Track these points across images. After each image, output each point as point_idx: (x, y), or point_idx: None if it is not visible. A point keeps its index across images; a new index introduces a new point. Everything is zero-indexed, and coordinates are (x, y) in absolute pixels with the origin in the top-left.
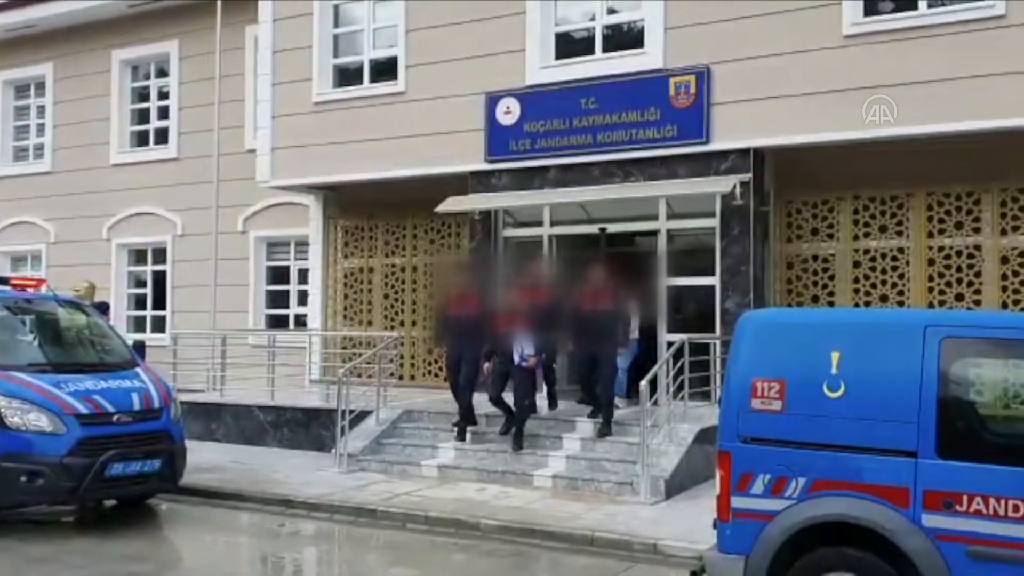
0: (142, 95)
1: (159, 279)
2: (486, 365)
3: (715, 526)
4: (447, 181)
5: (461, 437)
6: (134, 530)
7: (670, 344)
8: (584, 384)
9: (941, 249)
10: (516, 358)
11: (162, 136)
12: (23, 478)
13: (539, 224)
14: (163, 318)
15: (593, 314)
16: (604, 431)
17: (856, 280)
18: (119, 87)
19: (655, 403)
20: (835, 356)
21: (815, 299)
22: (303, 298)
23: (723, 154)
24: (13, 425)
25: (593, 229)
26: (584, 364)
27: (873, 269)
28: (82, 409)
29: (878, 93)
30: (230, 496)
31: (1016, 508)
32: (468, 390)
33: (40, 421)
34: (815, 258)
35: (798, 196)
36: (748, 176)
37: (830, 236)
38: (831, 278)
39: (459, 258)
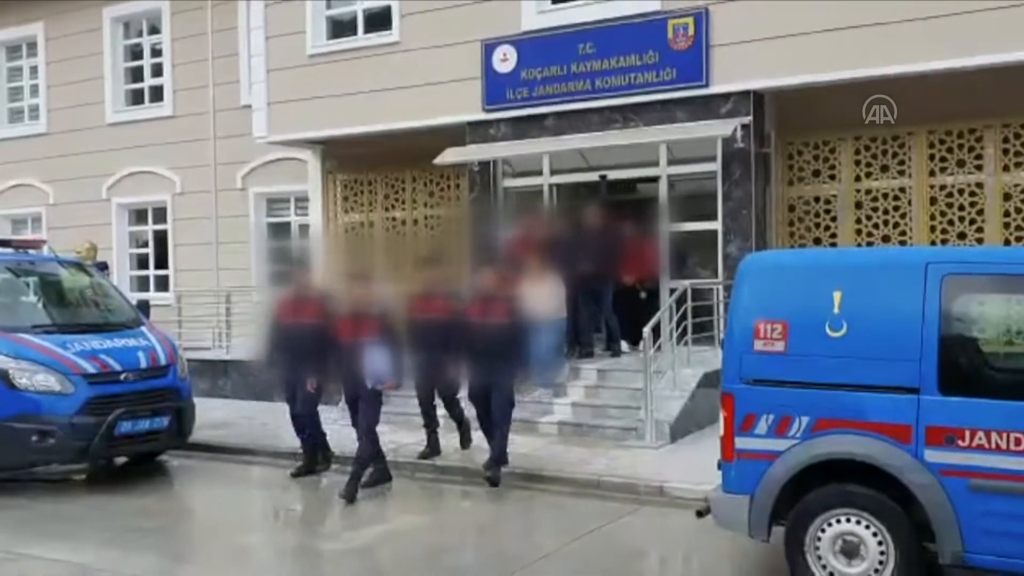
0: (135, 52)
1: (160, 238)
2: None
3: (719, 467)
4: (445, 132)
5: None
6: (145, 486)
7: (673, 290)
8: (479, 412)
9: (943, 187)
10: (369, 381)
11: (157, 94)
12: (34, 438)
13: (539, 173)
14: (166, 277)
15: (484, 329)
16: (494, 476)
17: (858, 221)
18: (111, 45)
19: (658, 349)
20: (837, 296)
21: (817, 241)
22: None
23: (723, 97)
24: (22, 386)
25: (593, 177)
26: (478, 388)
27: (875, 209)
28: (89, 368)
29: (879, 30)
30: (239, 451)
31: (1018, 441)
32: (310, 417)
33: (48, 381)
34: (817, 200)
35: (799, 138)
36: (749, 119)
37: (831, 177)
38: (833, 220)
39: (458, 210)
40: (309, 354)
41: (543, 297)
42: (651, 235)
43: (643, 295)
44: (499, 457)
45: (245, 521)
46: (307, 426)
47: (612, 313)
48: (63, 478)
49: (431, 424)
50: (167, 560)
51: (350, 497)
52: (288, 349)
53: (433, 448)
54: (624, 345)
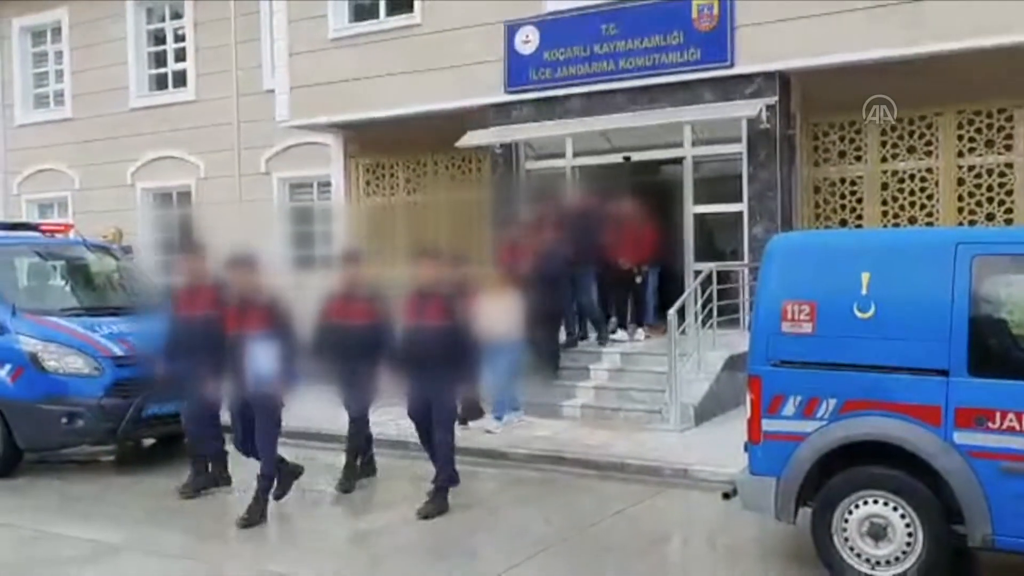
0: (158, 38)
1: (185, 223)
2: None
3: (746, 449)
4: (467, 115)
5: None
6: (172, 467)
7: (698, 272)
8: (420, 431)
9: (971, 168)
10: (252, 383)
11: (180, 79)
12: (63, 420)
13: (561, 155)
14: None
15: (420, 332)
16: (439, 504)
17: (884, 203)
18: (134, 30)
19: (683, 332)
20: (865, 277)
21: (843, 223)
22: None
23: (748, 77)
24: (51, 368)
25: (617, 158)
26: (418, 403)
27: (902, 191)
28: (117, 351)
29: (907, 8)
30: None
31: None
32: (205, 427)
33: (77, 363)
34: (843, 181)
35: (825, 118)
36: (774, 99)
37: (857, 158)
38: (859, 201)
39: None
40: (203, 351)
41: (499, 315)
42: (648, 217)
43: (638, 279)
44: (445, 482)
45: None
46: (197, 435)
47: (591, 300)
48: (92, 459)
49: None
50: (193, 539)
51: (246, 523)
52: (181, 345)
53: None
54: (620, 332)
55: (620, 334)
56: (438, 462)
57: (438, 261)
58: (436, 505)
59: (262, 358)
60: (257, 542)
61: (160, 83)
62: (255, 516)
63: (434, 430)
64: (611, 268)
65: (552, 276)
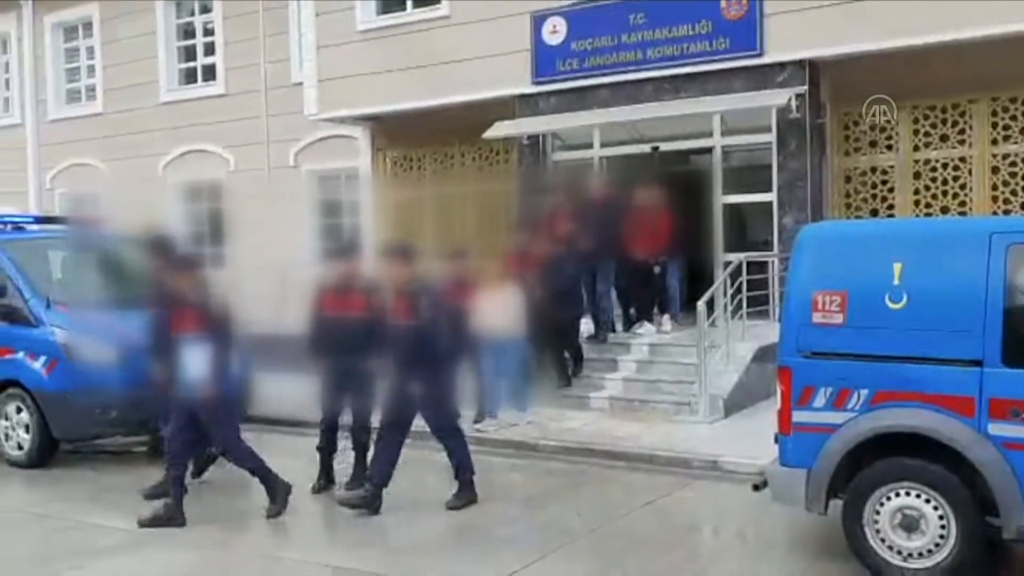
0: (187, 32)
1: (216, 216)
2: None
3: (776, 441)
4: (494, 106)
5: None
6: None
7: (727, 263)
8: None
9: (1006, 156)
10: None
11: (210, 73)
12: (97, 411)
13: (589, 146)
14: (221, 254)
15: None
16: (466, 496)
17: (916, 192)
18: (164, 24)
19: (712, 323)
20: (897, 267)
21: (874, 213)
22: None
23: (778, 66)
24: (85, 360)
25: (645, 149)
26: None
27: (934, 180)
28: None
29: None
30: (296, 423)
31: None
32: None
33: (110, 355)
34: (873, 170)
35: (855, 107)
36: (804, 88)
37: (889, 148)
38: (890, 191)
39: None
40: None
41: (498, 310)
42: (665, 208)
43: (656, 270)
44: (468, 474)
45: (303, 491)
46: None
47: (606, 292)
48: (125, 450)
49: (329, 447)
50: (225, 530)
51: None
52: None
53: (329, 478)
54: (646, 325)
55: (646, 327)
56: (455, 460)
57: (404, 259)
58: (463, 497)
59: (193, 361)
60: (283, 533)
61: (190, 77)
62: (275, 509)
63: (435, 434)
64: (628, 259)
65: (561, 287)
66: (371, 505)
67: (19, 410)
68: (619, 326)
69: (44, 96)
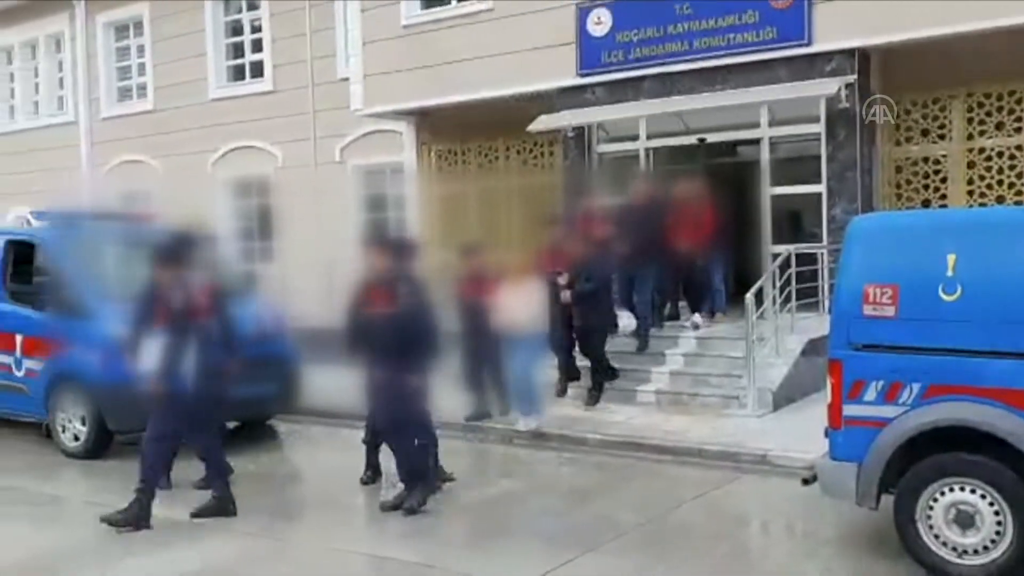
0: (235, 29)
1: (264, 211)
2: None
3: (826, 435)
4: (539, 99)
5: None
6: (254, 450)
7: (776, 255)
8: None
9: None
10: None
11: (257, 69)
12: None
13: (634, 138)
14: (270, 249)
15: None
16: (412, 499)
17: (970, 182)
18: (212, 22)
19: (761, 316)
20: (951, 258)
21: (926, 203)
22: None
23: (826, 55)
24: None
25: (691, 140)
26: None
27: (988, 169)
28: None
29: None
30: (345, 416)
31: None
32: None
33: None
34: (926, 160)
35: (907, 96)
36: (853, 77)
37: (941, 136)
38: (943, 181)
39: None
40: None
41: (517, 305)
42: (709, 201)
43: (699, 264)
44: (408, 476)
45: (351, 483)
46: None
47: (646, 300)
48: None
49: (374, 440)
50: (276, 519)
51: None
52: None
53: (376, 471)
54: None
55: (695, 318)
56: (396, 460)
57: (386, 250)
58: (407, 499)
59: (145, 353)
60: (333, 524)
61: (238, 74)
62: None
63: (384, 438)
64: (670, 254)
65: (585, 291)
66: (412, 501)
67: (75, 402)
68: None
69: (97, 94)
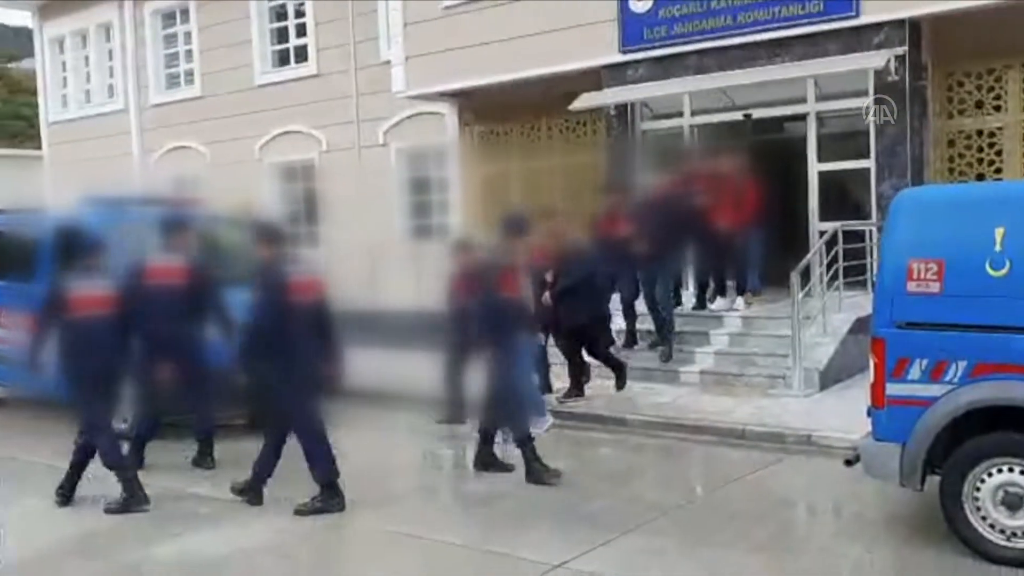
0: (280, 14)
1: (310, 196)
2: None
3: (869, 414)
4: (581, 78)
5: None
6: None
7: (823, 232)
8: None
9: None
10: None
11: (302, 54)
12: None
13: (679, 115)
14: (316, 233)
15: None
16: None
17: None
18: (257, 7)
19: (808, 294)
20: (999, 232)
21: (980, 177)
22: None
23: (875, 27)
24: None
25: (737, 116)
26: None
27: None
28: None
29: None
30: (388, 398)
31: None
32: None
33: (211, 332)
34: (980, 133)
35: (959, 67)
36: (903, 49)
37: (996, 108)
38: (998, 154)
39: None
40: None
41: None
42: (750, 177)
43: (737, 243)
44: (322, 477)
45: (395, 464)
46: None
47: (667, 297)
48: (225, 423)
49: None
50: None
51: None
52: None
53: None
54: (720, 301)
55: (720, 302)
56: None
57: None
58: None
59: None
60: (376, 506)
61: (283, 59)
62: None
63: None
64: (707, 235)
65: (570, 287)
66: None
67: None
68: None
69: (146, 82)
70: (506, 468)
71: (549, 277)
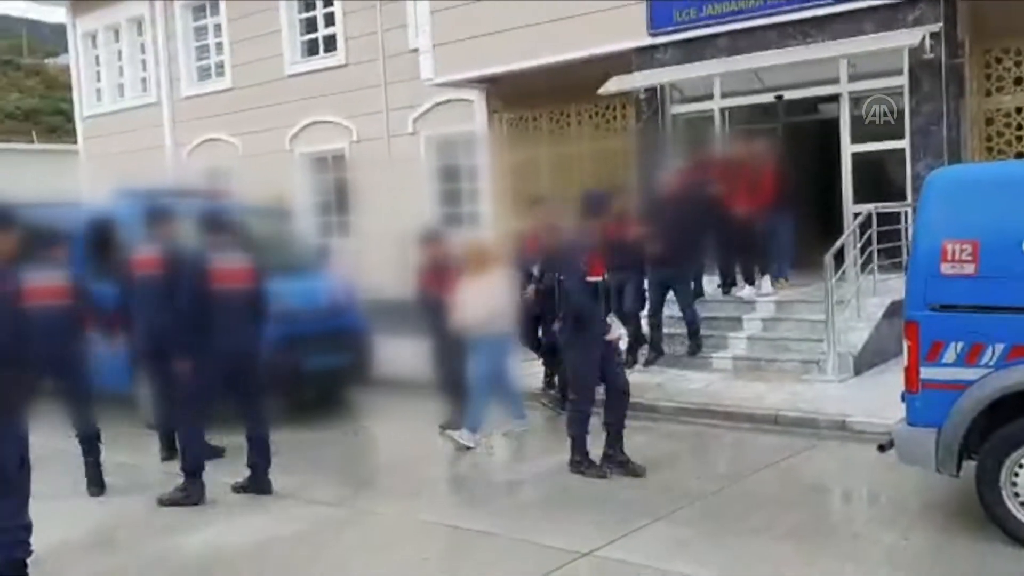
0: (308, 4)
1: (341, 185)
2: None
3: (903, 399)
4: (610, 62)
5: None
6: (330, 420)
7: (856, 215)
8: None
9: None
10: None
11: (331, 44)
12: None
13: (709, 98)
14: (347, 223)
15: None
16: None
17: None
18: None
19: (842, 278)
20: None
21: (1020, 156)
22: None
23: (909, 4)
24: None
25: (768, 98)
26: None
27: None
28: (279, 308)
29: None
30: (418, 387)
31: None
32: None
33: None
34: (1019, 111)
35: (997, 44)
36: (939, 26)
37: None
38: None
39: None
40: None
41: (478, 300)
42: (770, 161)
43: (759, 228)
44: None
45: (424, 453)
46: None
47: (690, 304)
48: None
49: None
50: (349, 489)
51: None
52: None
53: None
54: (748, 289)
55: (747, 290)
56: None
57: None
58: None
59: None
60: (409, 493)
61: (312, 49)
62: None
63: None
64: (724, 221)
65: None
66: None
67: None
68: (711, 289)
69: (177, 75)
70: (637, 473)
71: (535, 271)
